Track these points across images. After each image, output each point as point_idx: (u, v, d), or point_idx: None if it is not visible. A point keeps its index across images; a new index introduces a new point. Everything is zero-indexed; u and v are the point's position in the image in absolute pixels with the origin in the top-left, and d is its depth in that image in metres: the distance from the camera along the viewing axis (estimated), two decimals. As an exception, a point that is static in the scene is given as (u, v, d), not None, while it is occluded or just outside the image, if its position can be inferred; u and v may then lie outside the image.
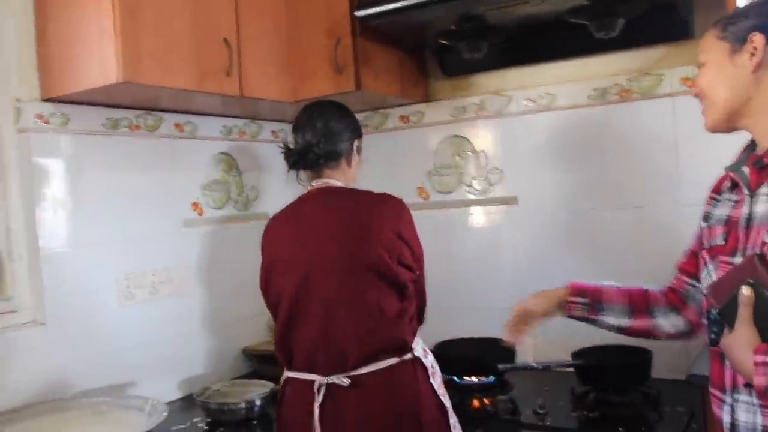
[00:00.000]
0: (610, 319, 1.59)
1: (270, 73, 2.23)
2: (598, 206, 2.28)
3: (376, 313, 1.65)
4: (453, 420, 1.74)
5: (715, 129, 1.37)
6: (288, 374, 1.73)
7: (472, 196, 2.51)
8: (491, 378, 2.12)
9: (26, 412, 1.79)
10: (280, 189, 2.50)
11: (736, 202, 1.32)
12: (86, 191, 2.04)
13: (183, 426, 2.00)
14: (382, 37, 2.29)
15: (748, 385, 1.19)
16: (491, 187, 2.47)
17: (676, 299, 1.54)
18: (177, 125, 2.34)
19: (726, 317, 1.19)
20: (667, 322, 1.54)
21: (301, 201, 1.82)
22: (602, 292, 1.60)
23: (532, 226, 2.39)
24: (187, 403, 2.17)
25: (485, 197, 2.48)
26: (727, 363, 1.23)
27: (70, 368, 1.96)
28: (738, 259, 1.26)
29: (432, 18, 2.09)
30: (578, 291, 1.61)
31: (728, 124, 1.35)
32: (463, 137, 2.52)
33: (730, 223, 1.31)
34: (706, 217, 1.40)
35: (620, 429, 1.75)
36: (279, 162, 1.90)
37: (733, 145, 1.38)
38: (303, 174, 1.85)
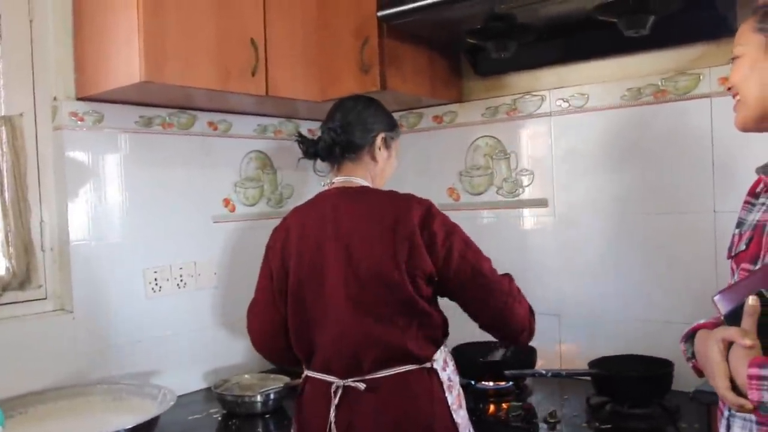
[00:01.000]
0: None
1: (297, 73, 2.26)
2: (629, 211, 2.19)
3: (382, 323, 1.57)
4: None
5: (744, 128, 1.29)
6: (307, 372, 1.71)
7: (501, 198, 2.46)
8: (509, 383, 2.08)
9: (50, 395, 1.89)
10: (316, 186, 2.52)
11: None
12: (117, 187, 2.13)
13: (199, 416, 2.06)
14: (410, 37, 2.27)
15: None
16: (521, 189, 2.42)
17: None
18: (210, 123, 2.41)
19: (730, 324, 1.12)
20: None
21: (315, 202, 1.74)
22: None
23: (562, 229, 2.32)
24: (209, 394, 2.23)
25: (515, 199, 2.43)
26: None
27: (97, 356, 2.06)
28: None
29: (455, 17, 2.05)
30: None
31: (760, 124, 1.26)
32: (495, 138, 2.48)
33: (756, 228, 1.23)
34: (739, 224, 1.31)
35: (631, 444, 1.69)
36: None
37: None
38: (321, 166, 1.78)
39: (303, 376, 1.72)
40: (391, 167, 1.81)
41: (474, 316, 1.66)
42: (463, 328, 2.23)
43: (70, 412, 1.87)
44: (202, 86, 1.98)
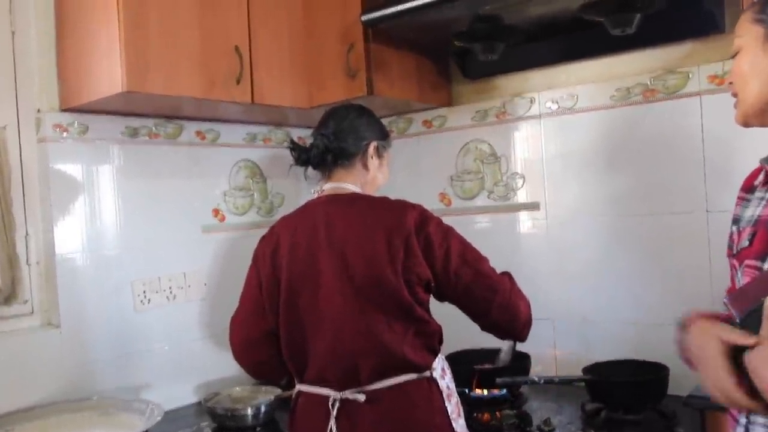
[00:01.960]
0: None
1: (283, 80, 2.24)
2: (622, 213, 2.16)
3: (381, 332, 1.53)
4: None
5: (745, 124, 1.24)
6: (300, 387, 1.65)
7: (493, 202, 2.44)
8: (503, 391, 2.05)
9: (37, 412, 1.86)
10: (307, 195, 2.49)
11: None
12: (103, 198, 2.11)
13: (189, 430, 2.03)
14: (396, 41, 2.25)
15: None
16: (513, 193, 2.39)
17: None
18: (198, 133, 2.39)
19: (747, 330, 1.04)
20: None
21: (305, 210, 1.70)
22: None
23: (554, 232, 2.30)
24: (200, 408, 2.20)
25: (506, 203, 2.41)
26: None
27: (85, 371, 2.03)
28: None
29: (440, 19, 2.03)
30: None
31: (760, 119, 1.21)
32: (485, 141, 2.45)
33: (758, 224, 1.17)
34: (736, 220, 1.25)
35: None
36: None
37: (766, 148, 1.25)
38: (312, 173, 1.75)
39: (295, 390, 1.68)
40: (383, 177, 1.77)
41: (478, 318, 1.64)
42: (455, 336, 2.22)
43: (58, 428, 1.85)
44: (186, 95, 1.96)
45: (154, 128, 2.26)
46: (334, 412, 1.54)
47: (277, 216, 2.57)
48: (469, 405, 2.00)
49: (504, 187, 2.41)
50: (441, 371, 1.61)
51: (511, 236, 2.40)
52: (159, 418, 1.75)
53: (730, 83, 1.25)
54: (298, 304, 1.60)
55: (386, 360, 1.53)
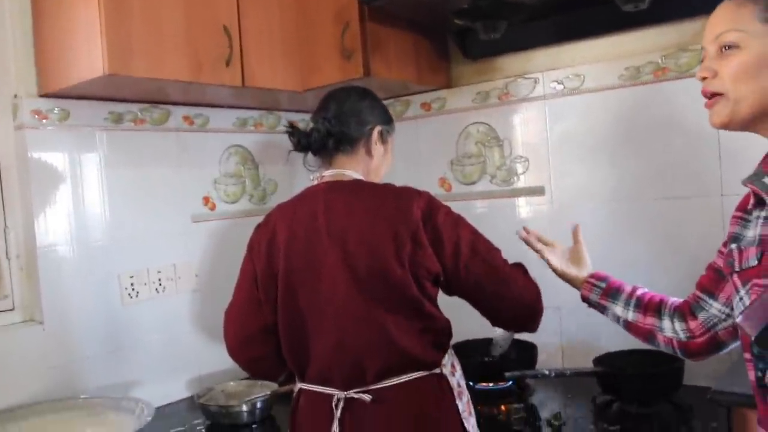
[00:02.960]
0: (618, 310, 1.51)
1: (276, 62, 2.13)
2: (631, 197, 2.08)
3: (387, 328, 1.43)
4: None
5: (727, 127, 1.16)
6: (301, 385, 1.55)
7: (495, 187, 2.35)
8: (510, 383, 1.97)
9: (20, 413, 1.77)
10: (302, 181, 2.40)
11: (766, 218, 1.12)
12: (87, 188, 2.01)
13: (182, 428, 1.94)
14: (393, 20, 2.15)
15: None
16: (516, 178, 2.30)
17: (685, 308, 1.40)
18: (186, 118, 2.28)
19: (762, 347, 1.01)
20: (669, 326, 1.42)
21: (303, 197, 1.58)
22: (621, 285, 1.53)
23: (560, 218, 2.20)
24: (193, 403, 2.10)
25: (509, 188, 2.31)
26: None
27: (70, 369, 1.94)
28: None
29: (438, -4, 1.94)
30: (600, 276, 1.57)
31: (742, 126, 1.15)
32: (487, 124, 2.35)
33: (764, 243, 1.11)
34: (735, 239, 1.19)
35: (642, 447, 1.58)
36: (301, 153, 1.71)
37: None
38: (312, 160, 1.63)
39: (296, 389, 1.57)
40: (387, 164, 1.66)
41: (489, 312, 1.54)
42: (466, 325, 2.14)
43: (43, 430, 1.76)
44: (172, 78, 1.86)
45: (139, 114, 2.15)
46: (338, 413, 1.45)
47: (271, 204, 2.49)
48: (475, 397, 1.91)
49: (506, 171, 2.32)
50: (451, 367, 1.52)
51: (513, 222, 2.31)
52: (149, 419, 1.66)
53: (704, 78, 1.14)
54: (298, 298, 1.49)
55: (393, 358, 1.44)
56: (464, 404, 1.51)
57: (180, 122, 2.26)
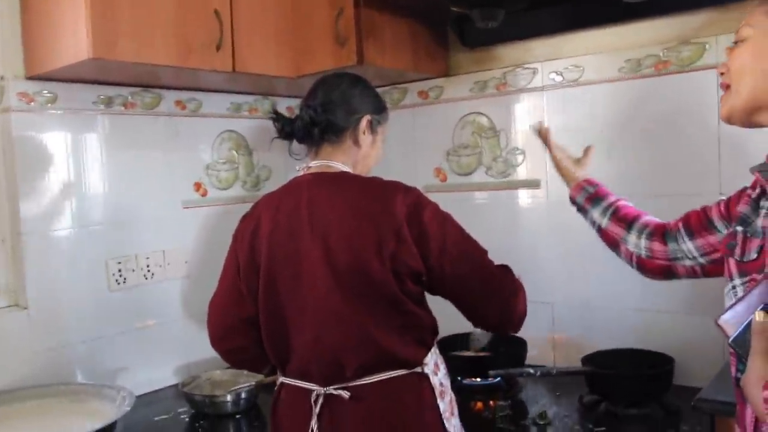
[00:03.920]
0: (596, 215, 1.57)
1: (269, 47, 2.09)
2: (628, 193, 2.01)
3: (366, 325, 1.40)
4: None
5: (730, 120, 1.16)
6: (282, 379, 1.53)
7: (491, 179, 2.30)
8: (497, 379, 1.94)
9: (2, 398, 1.76)
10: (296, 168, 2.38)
11: None
12: (75, 172, 1.99)
13: (166, 416, 1.94)
14: (389, 6, 2.10)
15: None
16: (512, 170, 2.26)
17: (659, 230, 1.44)
18: (178, 102, 2.25)
19: (739, 348, 0.99)
20: (633, 240, 1.48)
21: (288, 188, 1.54)
22: (608, 193, 1.60)
23: (555, 212, 2.16)
24: (179, 391, 2.10)
25: (505, 180, 2.27)
26: None
27: (55, 355, 1.93)
28: None
29: (436, -17, 1.88)
30: (591, 182, 1.63)
31: (748, 119, 1.14)
32: (484, 114, 2.31)
33: (765, 236, 1.10)
34: (744, 221, 1.17)
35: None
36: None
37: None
38: (298, 148, 1.59)
39: (278, 382, 1.56)
40: (376, 154, 1.62)
41: (471, 314, 1.51)
42: (457, 318, 2.11)
43: (25, 415, 1.75)
44: (160, 63, 1.82)
45: (130, 97, 2.12)
46: (317, 409, 1.43)
47: (264, 190, 2.46)
48: (461, 393, 1.89)
49: (503, 163, 2.28)
50: (434, 366, 1.49)
51: (509, 215, 2.28)
52: (128, 409, 1.64)
53: (722, 73, 1.18)
54: (279, 291, 1.47)
55: (373, 355, 1.41)
56: (446, 404, 1.48)
57: (172, 107, 2.23)
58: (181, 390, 1.99)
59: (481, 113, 2.31)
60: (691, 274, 1.41)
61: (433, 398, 1.46)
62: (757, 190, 1.18)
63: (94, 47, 1.66)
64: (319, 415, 1.43)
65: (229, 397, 1.93)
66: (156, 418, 1.91)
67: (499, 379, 1.95)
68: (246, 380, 2.04)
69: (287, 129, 1.55)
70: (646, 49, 1.97)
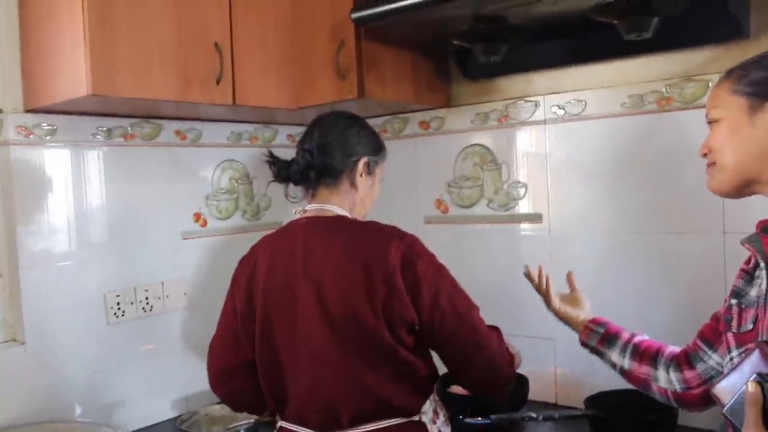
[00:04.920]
0: (614, 357, 1.52)
1: (268, 79, 2.08)
2: (630, 229, 2.01)
3: (361, 374, 1.38)
4: None
5: (721, 193, 1.22)
6: (281, 423, 1.52)
7: (492, 212, 2.28)
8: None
9: (-4, 436, 1.75)
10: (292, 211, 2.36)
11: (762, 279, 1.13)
12: (74, 205, 1.97)
13: (163, 453, 1.91)
14: (391, 39, 2.08)
15: None
16: (514, 203, 2.24)
17: (683, 357, 1.39)
18: (178, 133, 2.24)
19: (733, 419, 0.98)
20: (664, 376, 1.41)
21: (285, 232, 1.54)
22: (619, 331, 1.56)
23: (557, 246, 2.15)
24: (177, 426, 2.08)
25: (506, 213, 2.25)
26: None
27: (53, 390, 1.90)
28: None
29: (437, 18, 1.87)
30: (598, 322, 1.60)
31: (739, 191, 1.19)
32: (485, 146, 2.29)
33: (759, 306, 1.12)
34: (737, 294, 1.20)
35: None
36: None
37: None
38: (294, 191, 1.59)
39: (277, 425, 1.54)
40: (374, 196, 1.61)
41: (456, 370, 1.48)
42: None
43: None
44: (159, 98, 1.81)
45: (129, 129, 2.10)
46: None
47: (265, 220, 2.46)
48: (464, 432, 1.87)
49: (505, 195, 2.26)
50: (432, 414, 1.47)
51: (510, 249, 2.25)
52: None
53: (705, 154, 1.23)
54: (274, 336, 1.46)
55: (368, 404, 1.39)
56: None
57: (172, 137, 2.22)
58: (178, 427, 1.97)
59: (483, 145, 2.30)
60: None
61: None
62: (752, 263, 1.20)
63: (93, 83, 1.65)
64: None
65: (226, 436, 1.91)
66: (153, 456, 1.89)
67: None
68: (245, 417, 2.01)
69: (283, 173, 1.54)
70: (649, 85, 1.96)
